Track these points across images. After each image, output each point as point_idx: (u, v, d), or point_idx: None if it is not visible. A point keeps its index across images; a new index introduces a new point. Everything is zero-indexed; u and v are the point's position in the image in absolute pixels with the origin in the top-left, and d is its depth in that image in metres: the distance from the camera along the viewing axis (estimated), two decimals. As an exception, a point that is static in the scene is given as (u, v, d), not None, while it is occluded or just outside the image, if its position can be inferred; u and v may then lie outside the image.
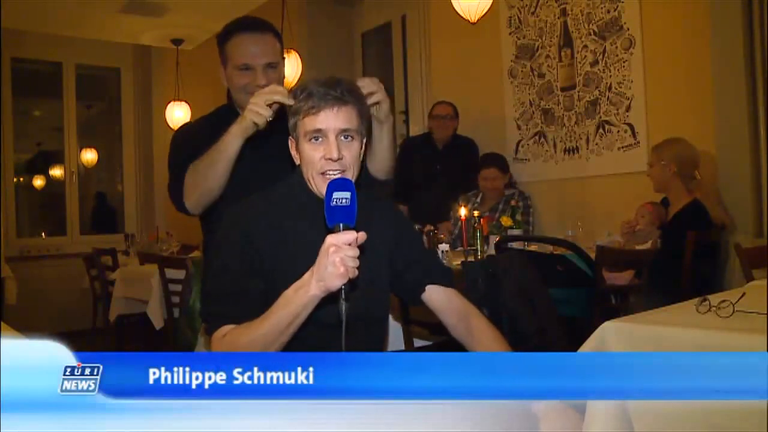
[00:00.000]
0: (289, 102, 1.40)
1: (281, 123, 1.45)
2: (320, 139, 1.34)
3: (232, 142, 1.58)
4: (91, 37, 6.17)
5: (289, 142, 1.43)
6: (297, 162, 1.42)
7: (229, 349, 1.25)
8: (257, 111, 1.51)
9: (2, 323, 1.41)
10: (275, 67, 1.77)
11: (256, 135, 1.77)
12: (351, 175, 1.36)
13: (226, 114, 1.80)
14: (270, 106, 1.51)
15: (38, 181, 6.97)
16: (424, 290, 1.48)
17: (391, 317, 1.92)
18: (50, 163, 6.78)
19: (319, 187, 1.34)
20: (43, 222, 6.86)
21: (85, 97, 6.71)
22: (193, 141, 1.73)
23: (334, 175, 1.33)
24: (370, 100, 1.47)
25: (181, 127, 2.04)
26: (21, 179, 6.72)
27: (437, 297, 1.48)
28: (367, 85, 1.48)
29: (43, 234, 6.59)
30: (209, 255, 1.71)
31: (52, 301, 5.83)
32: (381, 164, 1.72)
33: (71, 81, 6.39)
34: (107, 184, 7.26)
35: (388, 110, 1.58)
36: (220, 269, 1.36)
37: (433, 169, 4.08)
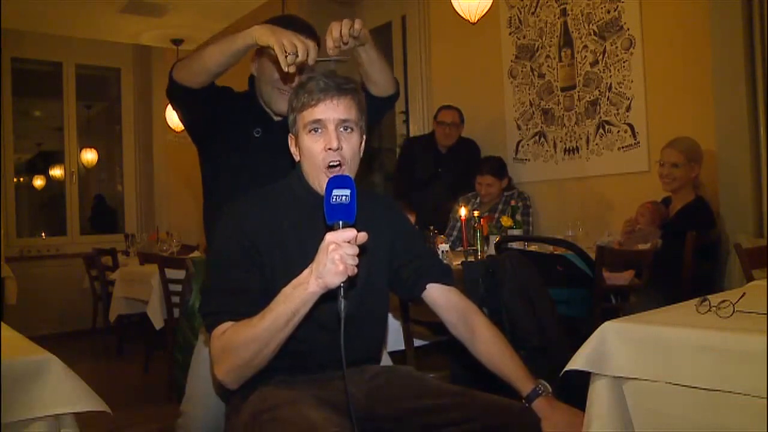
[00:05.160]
0: (310, 65, 1.45)
1: (287, 122, 1.45)
2: (320, 131, 1.35)
3: (244, 37, 1.53)
4: (91, 37, 6.18)
5: (289, 139, 1.43)
6: (297, 159, 1.42)
7: (228, 346, 1.25)
8: (289, 46, 1.45)
9: (2, 323, 1.41)
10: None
11: (270, 128, 1.79)
12: (350, 169, 1.36)
13: (250, 98, 1.85)
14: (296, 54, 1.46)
15: (38, 181, 6.98)
16: (424, 288, 1.48)
17: (391, 316, 1.93)
18: (50, 163, 6.80)
19: (320, 180, 1.34)
20: (43, 222, 6.87)
21: (85, 97, 6.71)
22: (218, 93, 1.75)
23: (335, 165, 1.33)
24: (356, 26, 1.49)
25: None
26: (21, 179, 6.73)
27: (437, 295, 1.48)
28: (341, 34, 1.49)
29: (43, 234, 6.60)
30: (210, 251, 1.71)
31: (52, 301, 5.84)
32: (382, 82, 1.73)
33: (71, 81, 6.39)
34: (107, 184, 7.27)
35: (365, 32, 1.57)
36: (220, 265, 1.36)
37: (435, 171, 4.08)
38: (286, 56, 1.43)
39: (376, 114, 1.70)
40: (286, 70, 1.46)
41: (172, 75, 1.68)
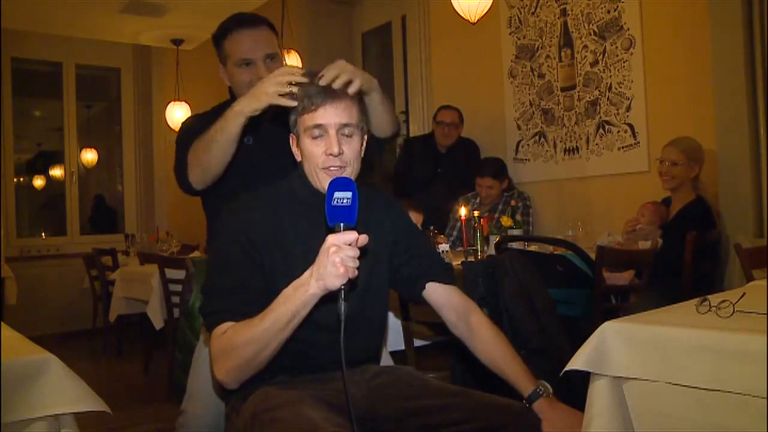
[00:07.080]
0: (304, 80, 1.40)
1: (285, 119, 1.45)
2: (321, 135, 1.35)
3: (234, 119, 1.55)
4: (91, 37, 6.18)
5: (290, 138, 1.43)
6: (298, 158, 1.42)
7: (228, 346, 1.25)
8: (275, 90, 1.44)
9: (2, 323, 1.41)
10: (274, 58, 1.79)
11: (261, 131, 1.79)
12: (351, 171, 1.36)
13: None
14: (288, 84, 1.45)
15: (38, 181, 6.97)
16: (424, 287, 1.48)
17: (391, 316, 1.93)
18: (50, 163, 6.79)
19: (322, 182, 1.35)
20: (43, 222, 6.86)
21: (85, 97, 6.71)
22: (200, 130, 1.73)
23: (336, 170, 1.33)
24: (351, 89, 1.39)
25: (189, 117, 2.05)
26: (21, 179, 6.72)
27: (438, 294, 1.49)
28: (337, 76, 1.39)
29: (43, 234, 6.60)
30: (210, 251, 1.71)
31: (52, 301, 5.84)
32: (384, 124, 1.75)
33: (71, 81, 6.39)
34: (107, 185, 7.26)
35: (368, 82, 1.53)
36: (220, 265, 1.36)
37: (435, 171, 4.09)
38: (286, 96, 1.43)
39: (377, 149, 1.76)
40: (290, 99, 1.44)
41: (193, 188, 1.72)
